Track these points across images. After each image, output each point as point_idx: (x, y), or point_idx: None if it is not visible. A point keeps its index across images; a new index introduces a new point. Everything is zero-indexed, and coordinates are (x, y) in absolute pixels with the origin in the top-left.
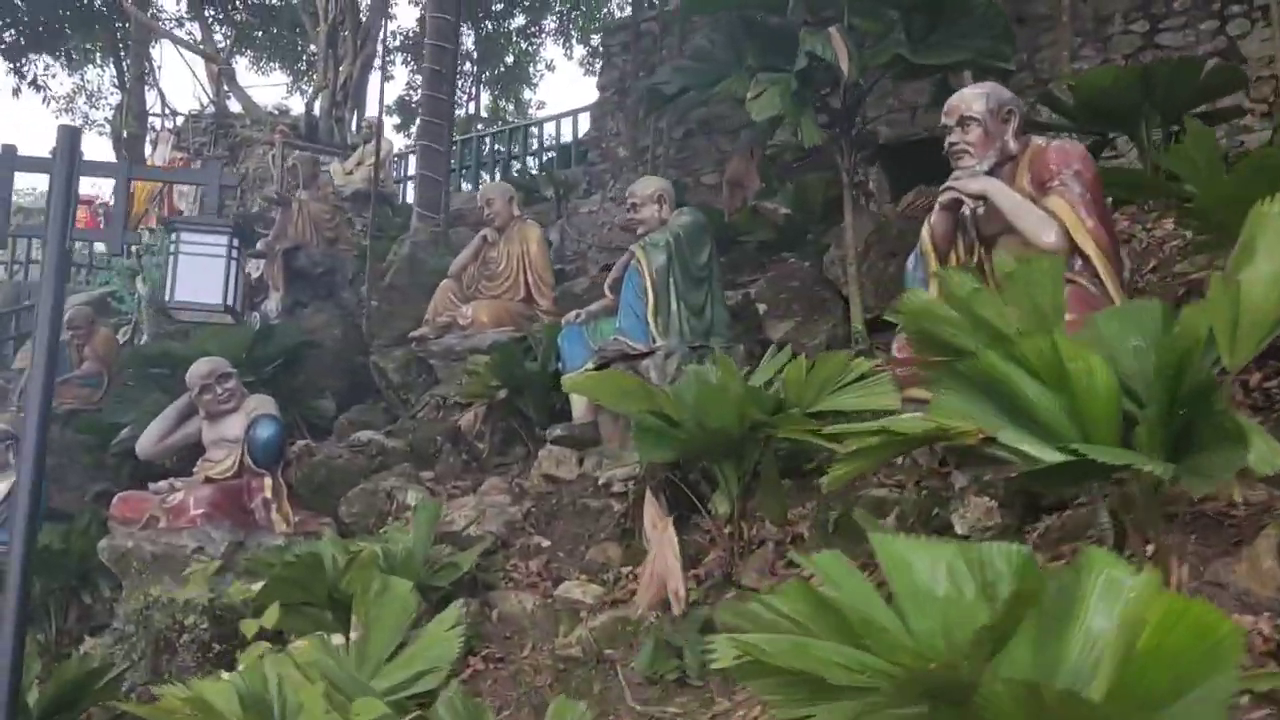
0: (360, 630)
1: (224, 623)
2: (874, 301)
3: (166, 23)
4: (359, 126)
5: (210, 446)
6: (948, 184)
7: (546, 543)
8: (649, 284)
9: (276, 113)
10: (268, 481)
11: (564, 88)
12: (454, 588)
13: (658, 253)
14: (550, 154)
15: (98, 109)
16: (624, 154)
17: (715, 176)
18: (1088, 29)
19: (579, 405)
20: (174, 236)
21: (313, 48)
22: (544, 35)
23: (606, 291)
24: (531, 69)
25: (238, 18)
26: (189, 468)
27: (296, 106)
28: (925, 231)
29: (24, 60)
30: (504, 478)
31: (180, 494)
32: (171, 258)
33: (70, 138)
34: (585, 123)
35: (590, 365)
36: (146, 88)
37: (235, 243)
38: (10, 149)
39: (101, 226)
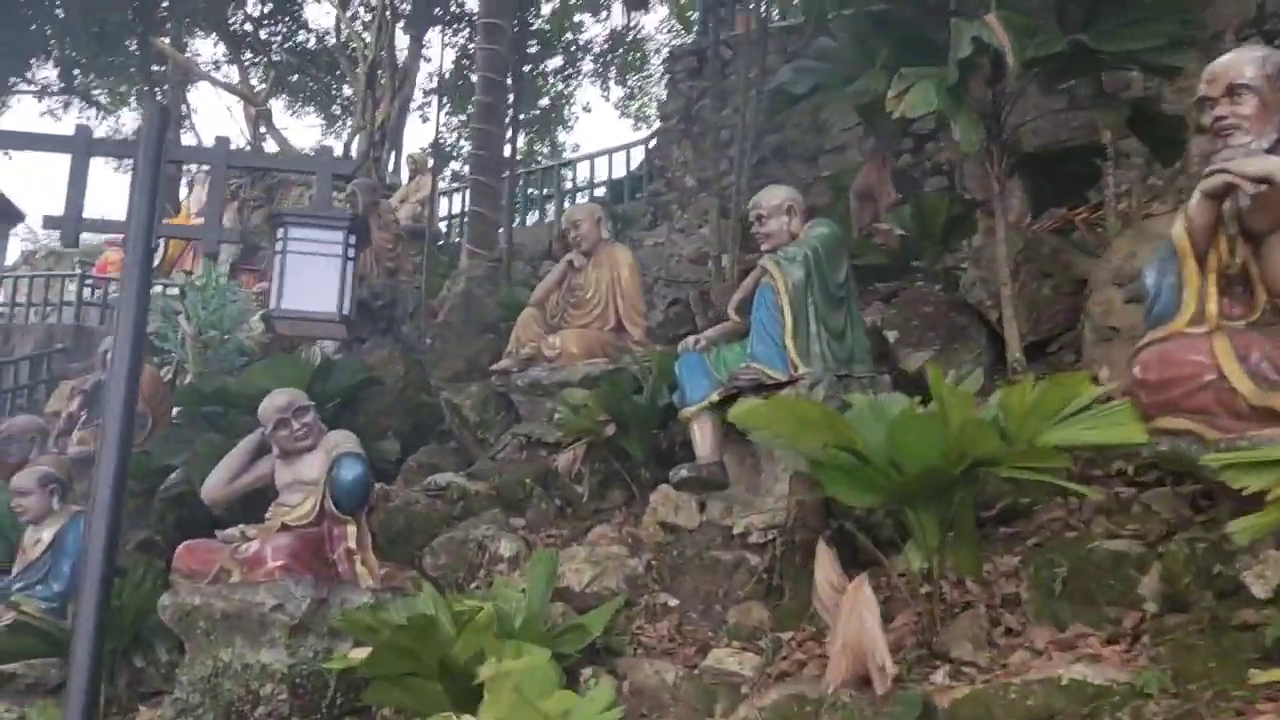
0: (495, 711)
1: (306, 693)
2: (1027, 327)
3: (203, 66)
4: (397, 167)
5: (284, 489)
6: (1217, 166)
7: (674, 601)
8: (786, 303)
9: (313, 154)
10: (351, 529)
11: (601, 129)
12: (580, 655)
13: (795, 268)
14: (599, 189)
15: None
16: (691, 183)
17: None
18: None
19: (705, 442)
20: (281, 233)
21: (348, 90)
22: (581, 77)
23: (730, 314)
24: (567, 111)
25: (275, 59)
26: (246, 515)
27: (333, 149)
28: (1180, 227)
29: (58, 102)
30: (612, 525)
31: (255, 543)
32: (279, 257)
33: (159, 118)
34: (637, 156)
35: (715, 397)
36: (183, 130)
37: (352, 240)
38: (85, 130)
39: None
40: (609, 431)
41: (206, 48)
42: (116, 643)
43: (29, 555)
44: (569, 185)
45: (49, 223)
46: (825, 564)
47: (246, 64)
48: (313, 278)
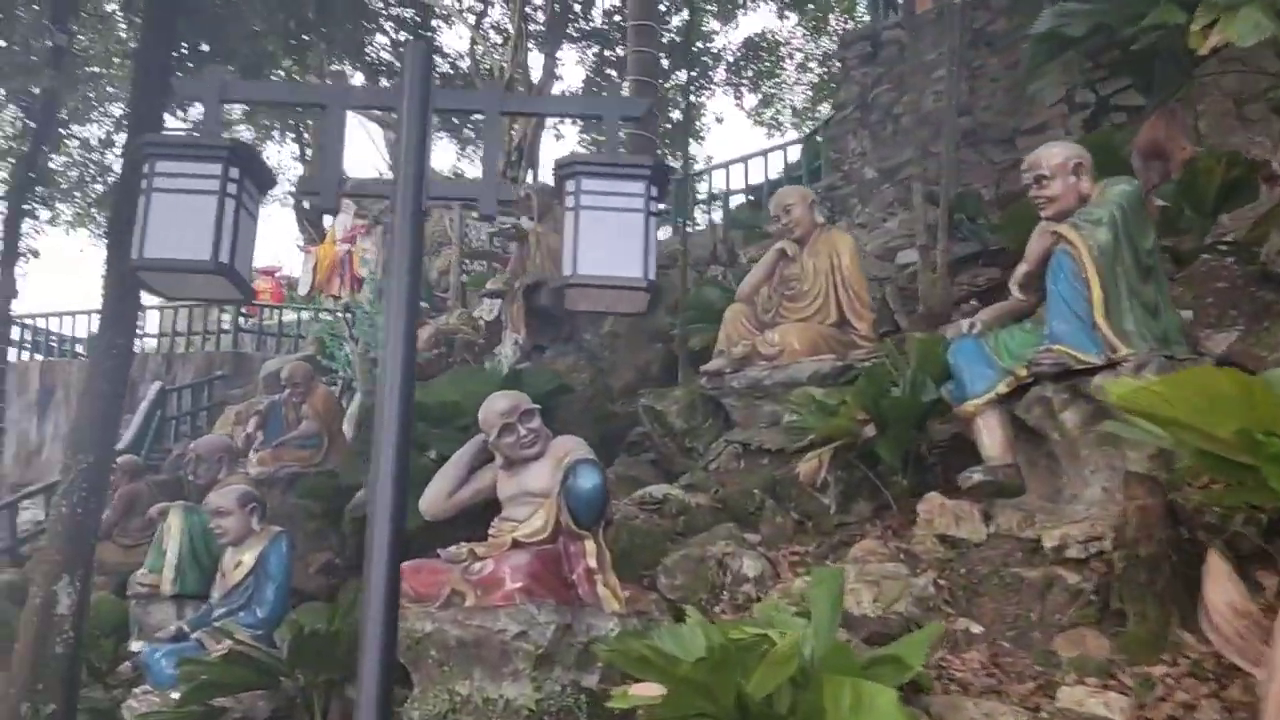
0: None
1: None
2: None
3: None
4: (535, 185)
5: (509, 502)
6: None
7: (977, 628)
8: (1091, 274)
9: (453, 176)
10: (590, 546)
11: (731, 140)
12: None
13: (1100, 231)
14: (735, 195)
15: (278, 184)
16: (872, 174)
17: (989, 191)
18: None
19: (994, 441)
20: (572, 185)
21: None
22: (712, 87)
23: (1013, 291)
24: (699, 122)
25: None
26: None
27: (470, 170)
28: None
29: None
30: (876, 539)
31: (489, 563)
32: (570, 214)
33: (422, 56)
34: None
35: (1003, 388)
36: None
37: (654, 192)
38: (340, 82)
39: (285, 297)
40: (868, 433)
41: (341, 78)
42: (331, 673)
43: (229, 579)
44: (702, 195)
45: (304, 186)
46: (1222, 582)
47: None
48: (611, 237)
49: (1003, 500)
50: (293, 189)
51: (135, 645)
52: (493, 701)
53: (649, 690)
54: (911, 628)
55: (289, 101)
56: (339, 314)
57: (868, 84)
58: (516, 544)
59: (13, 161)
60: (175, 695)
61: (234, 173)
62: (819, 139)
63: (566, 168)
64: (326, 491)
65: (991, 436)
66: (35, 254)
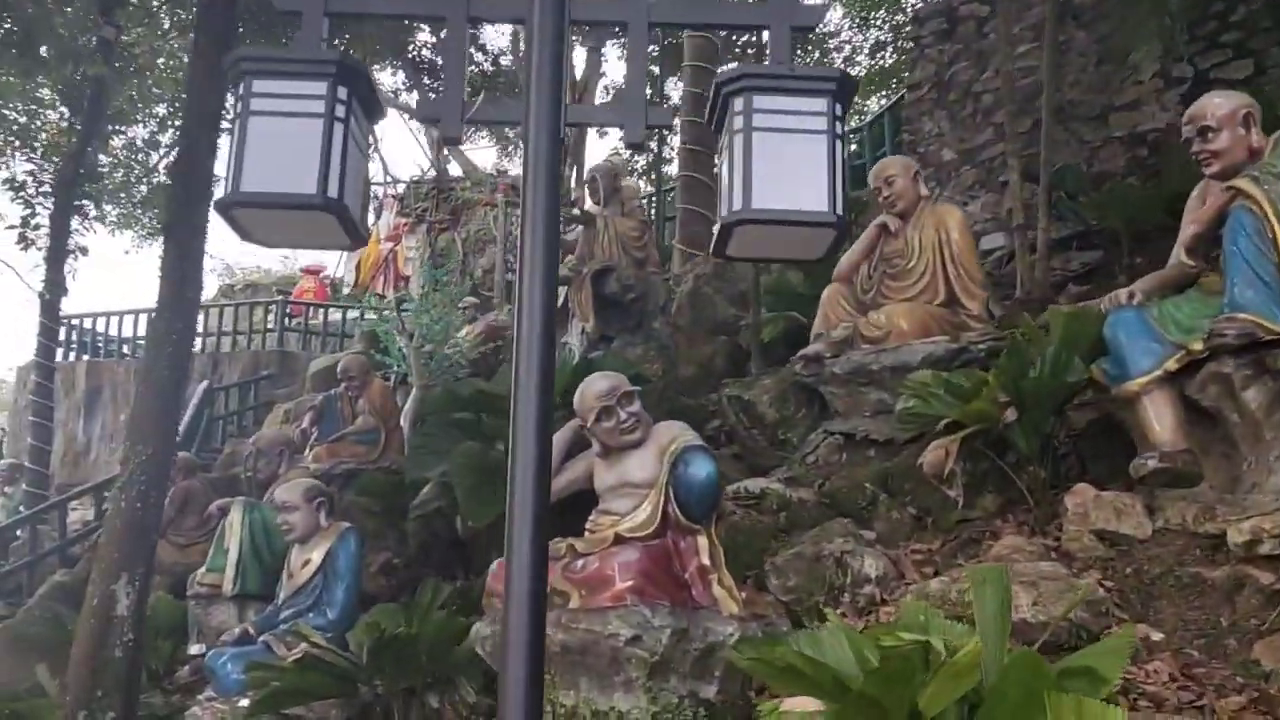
0: None
1: None
2: None
3: (385, 95)
4: (579, 182)
5: (607, 494)
6: None
7: (1158, 635)
8: (1279, 230)
9: (496, 173)
10: (703, 542)
11: None
12: None
13: None
14: None
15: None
16: (950, 156)
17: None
18: None
19: (1164, 424)
20: (740, 104)
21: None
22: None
23: (1180, 257)
24: None
25: None
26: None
27: (513, 168)
28: None
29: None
30: (1024, 537)
31: (593, 560)
32: (740, 137)
33: None
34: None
35: (1173, 364)
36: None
37: (838, 110)
38: None
39: (329, 297)
40: (1009, 417)
41: (385, 78)
42: (412, 679)
43: (296, 579)
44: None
45: (424, 110)
46: None
47: (427, 89)
48: (789, 165)
49: (1169, 491)
50: None
51: (194, 648)
52: (602, 715)
53: (804, 705)
54: (1081, 635)
55: (403, 14)
56: (390, 310)
57: (944, 62)
58: (619, 539)
59: (57, 161)
60: (243, 702)
61: (342, 93)
62: (884, 123)
63: (733, 83)
64: (386, 489)
65: (1161, 419)
66: (84, 251)
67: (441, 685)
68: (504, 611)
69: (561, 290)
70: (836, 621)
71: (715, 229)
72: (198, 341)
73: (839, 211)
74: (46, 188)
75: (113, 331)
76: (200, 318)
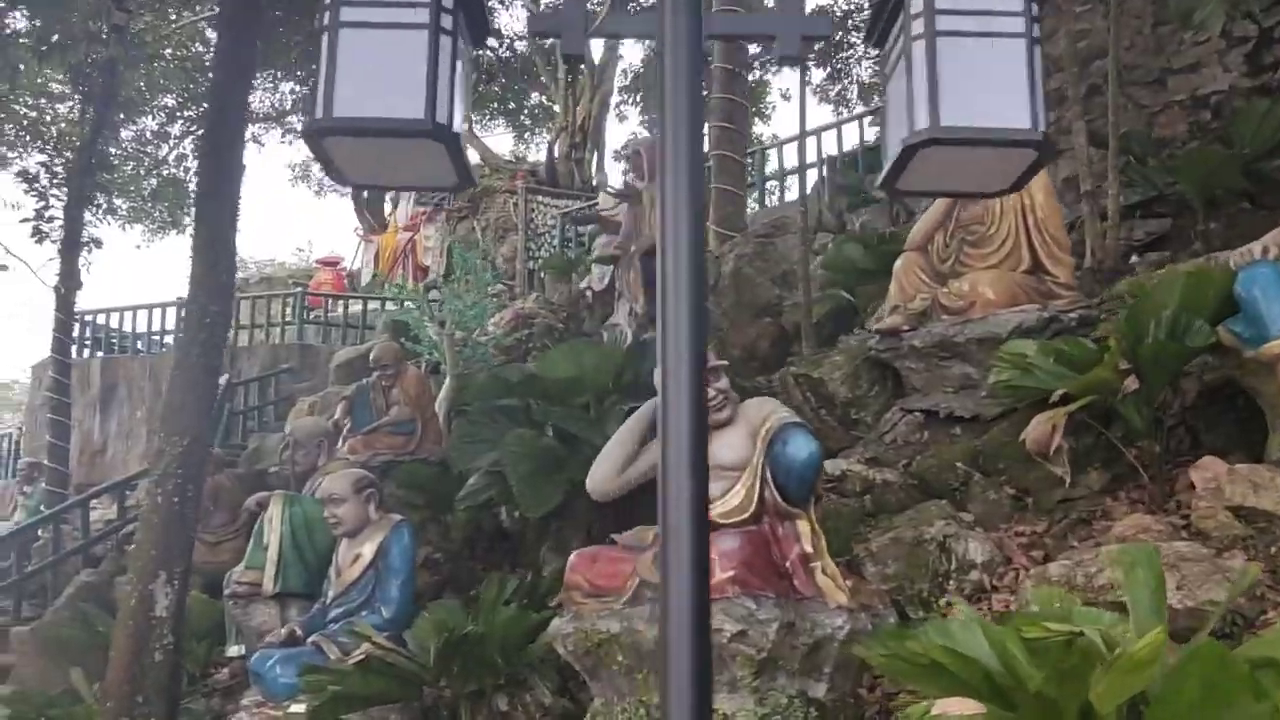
0: None
1: None
2: None
3: None
4: (600, 167)
5: None
6: None
7: None
8: None
9: (514, 160)
10: (804, 527)
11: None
12: None
13: None
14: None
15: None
16: None
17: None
18: None
19: None
20: (920, 3)
21: (536, 97)
22: (778, 64)
23: None
24: (764, 100)
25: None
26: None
27: (531, 155)
28: None
29: (261, 129)
30: (1150, 515)
31: None
32: (921, 45)
33: None
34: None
35: None
36: None
37: (446, 3)
38: None
39: (346, 288)
40: (1130, 386)
41: None
42: (483, 681)
43: (345, 575)
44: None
45: (539, 25)
46: None
47: None
48: (980, 73)
49: None
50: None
51: (233, 650)
52: None
53: (959, 707)
54: (1237, 621)
55: None
56: (415, 299)
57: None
58: (712, 526)
59: (69, 154)
60: (296, 708)
61: (448, 2)
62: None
63: None
64: (427, 480)
65: None
66: (98, 243)
67: (511, 687)
68: (662, 608)
69: (608, 270)
70: (969, 612)
71: (890, 156)
72: None
73: (1042, 129)
74: (59, 179)
75: (127, 327)
76: None
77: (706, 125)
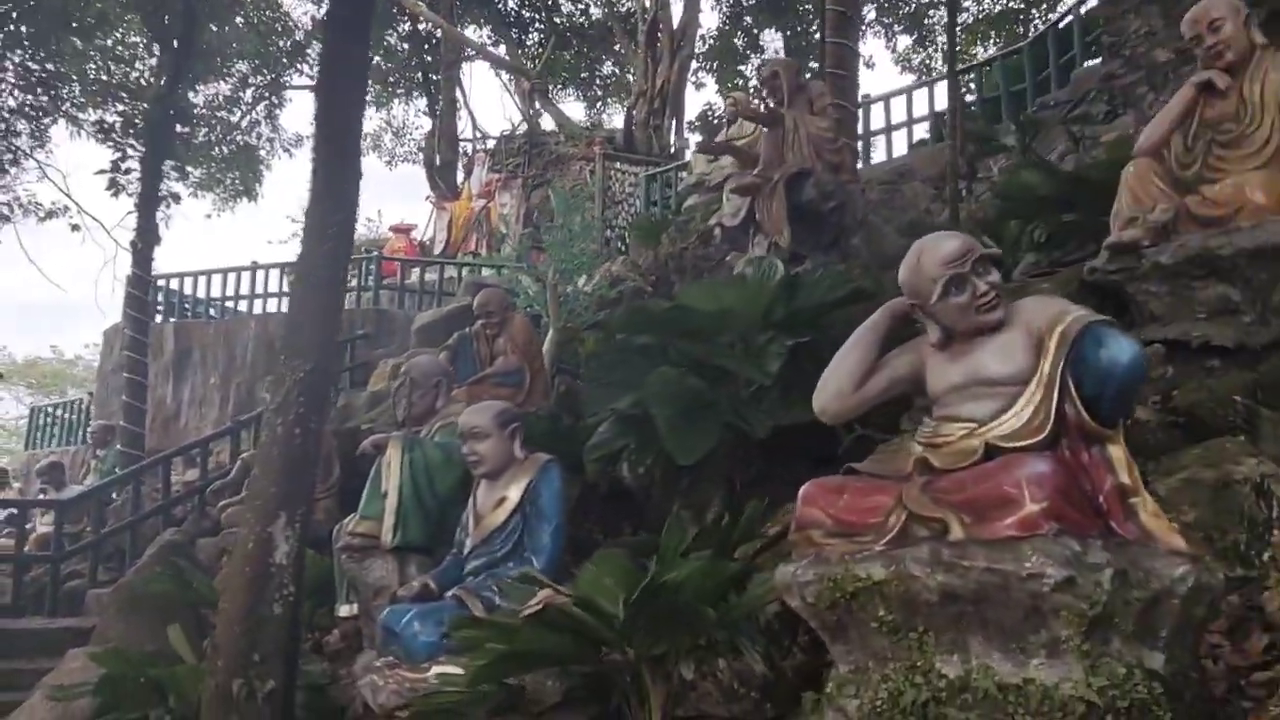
0: None
1: None
2: None
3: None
4: (679, 133)
5: (948, 394)
6: None
7: None
8: None
9: (590, 127)
10: (1115, 452)
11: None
12: None
13: None
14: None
15: (404, 145)
16: (1165, 57)
17: None
18: None
19: None
20: None
21: (609, 68)
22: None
23: None
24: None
25: (541, 37)
26: None
27: (607, 121)
28: None
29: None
30: None
31: (973, 475)
32: None
33: None
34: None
35: None
36: (457, 113)
37: None
38: None
39: (419, 256)
40: None
41: (469, 33)
42: (676, 642)
43: (487, 522)
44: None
45: None
46: None
47: (516, 40)
48: None
49: None
50: (422, 145)
51: (344, 609)
52: (1013, 689)
53: None
54: None
55: None
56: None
57: None
58: (994, 450)
59: (145, 107)
60: (438, 669)
61: None
62: (1072, 28)
63: None
64: (540, 434)
65: None
66: (175, 198)
67: (703, 650)
68: None
69: (742, 204)
70: None
71: None
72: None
73: None
74: (136, 130)
75: (200, 293)
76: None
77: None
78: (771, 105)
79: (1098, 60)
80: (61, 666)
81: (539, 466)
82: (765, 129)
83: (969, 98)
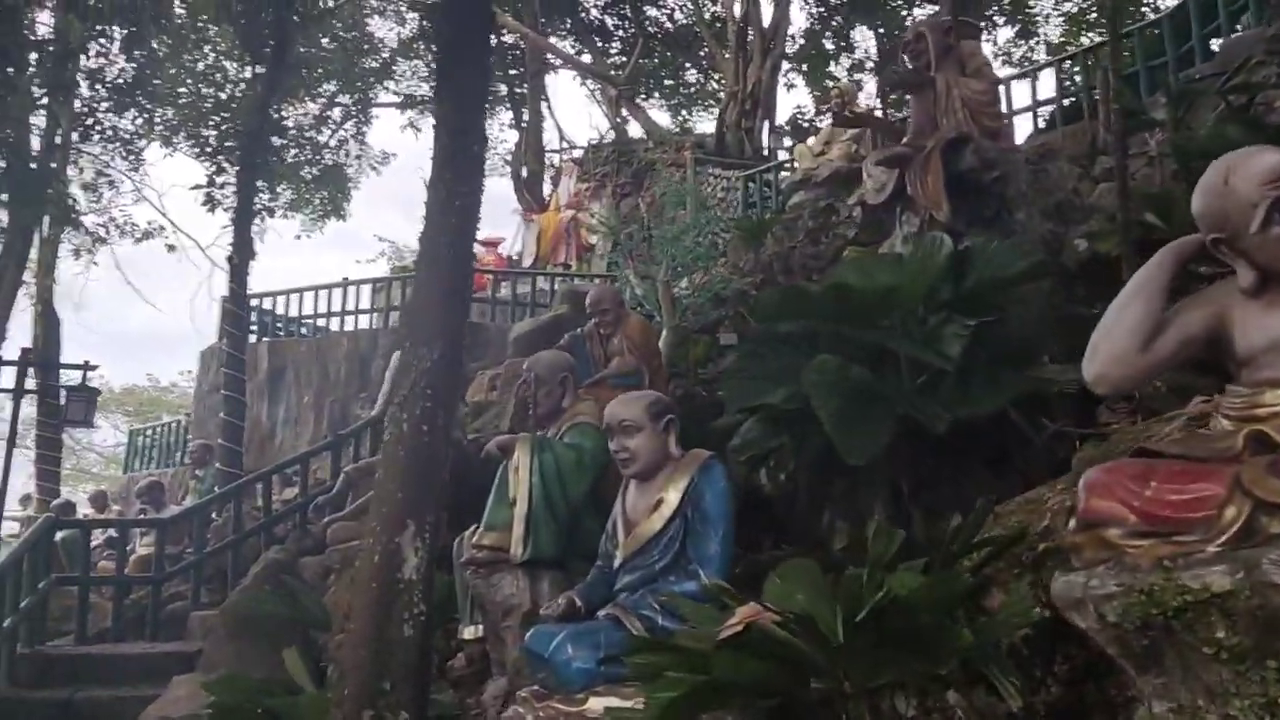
0: None
1: None
2: None
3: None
4: (772, 134)
5: (1270, 353)
6: None
7: None
8: None
9: (679, 133)
10: None
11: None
12: None
13: None
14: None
15: (489, 158)
16: None
17: None
18: None
19: None
20: None
21: (692, 76)
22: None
23: None
24: None
25: (625, 45)
26: None
27: (697, 126)
28: None
29: (418, 113)
30: None
31: None
32: None
33: None
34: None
35: None
36: (542, 121)
37: None
38: None
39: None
40: None
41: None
42: (892, 673)
43: (642, 529)
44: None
45: None
46: None
47: (601, 48)
48: None
49: None
50: (507, 159)
51: (468, 631)
52: None
53: None
54: None
55: None
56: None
57: None
58: None
59: (238, 123)
60: (597, 701)
61: None
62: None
63: None
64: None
65: None
66: (270, 212)
67: (924, 681)
68: None
69: (888, 179)
70: None
71: None
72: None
73: None
74: (231, 144)
75: (292, 312)
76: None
77: None
78: (916, 67)
79: (1246, 30)
80: (167, 695)
81: (700, 464)
82: (912, 95)
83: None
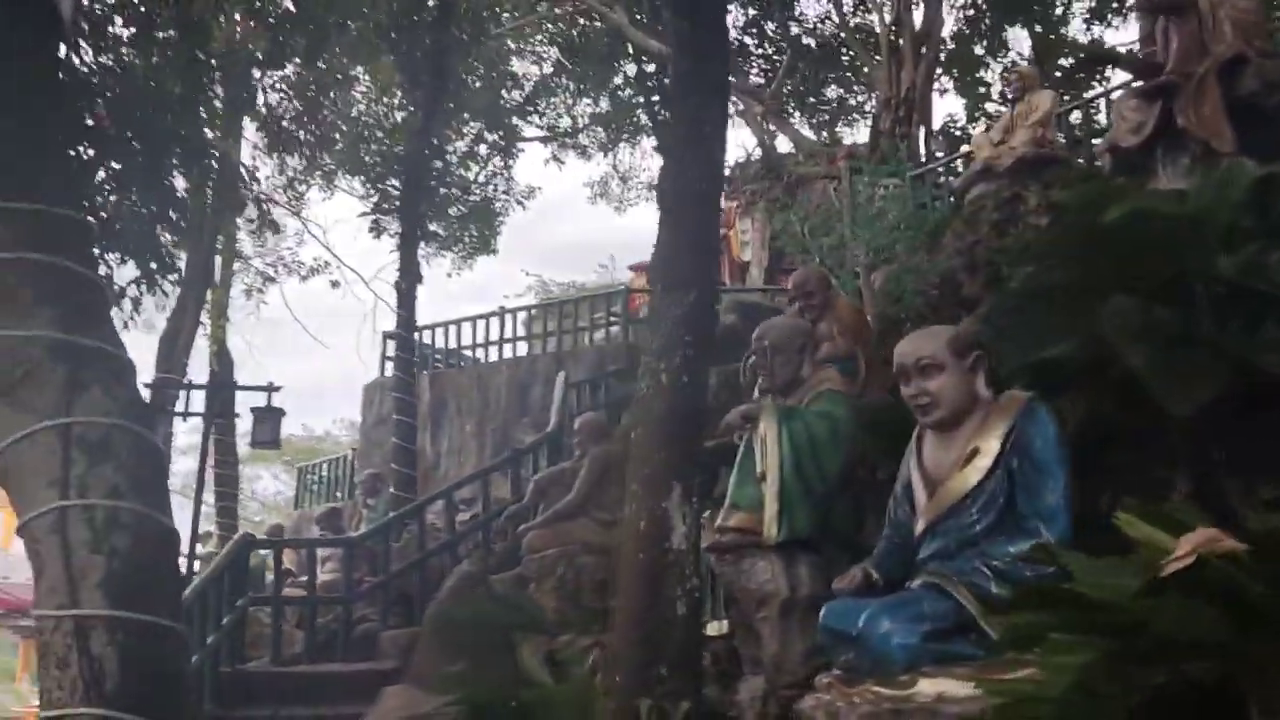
0: None
1: None
2: None
3: None
4: (927, 143)
5: None
6: None
7: None
8: None
9: (830, 144)
10: None
11: None
12: None
13: None
14: None
15: (630, 188)
16: None
17: None
18: None
19: None
20: None
21: (833, 92)
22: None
23: None
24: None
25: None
26: None
27: (848, 136)
28: None
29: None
30: None
31: None
32: None
33: None
34: None
35: None
36: None
37: None
38: None
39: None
40: None
41: None
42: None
43: (954, 485)
44: None
45: None
46: None
47: (744, 69)
48: None
49: None
50: (652, 184)
51: (713, 626)
52: None
53: None
54: None
55: None
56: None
57: None
58: None
59: (400, 150)
60: (928, 684)
61: None
62: None
63: None
64: (893, 423)
65: None
66: (435, 236)
67: None
68: None
69: (1150, 111)
70: None
71: None
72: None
73: None
74: (395, 169)
75: (451, 343)
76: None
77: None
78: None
79: None
80: (380, 706)
81: (1020, 407)
82: (1172, 19)
83: None
